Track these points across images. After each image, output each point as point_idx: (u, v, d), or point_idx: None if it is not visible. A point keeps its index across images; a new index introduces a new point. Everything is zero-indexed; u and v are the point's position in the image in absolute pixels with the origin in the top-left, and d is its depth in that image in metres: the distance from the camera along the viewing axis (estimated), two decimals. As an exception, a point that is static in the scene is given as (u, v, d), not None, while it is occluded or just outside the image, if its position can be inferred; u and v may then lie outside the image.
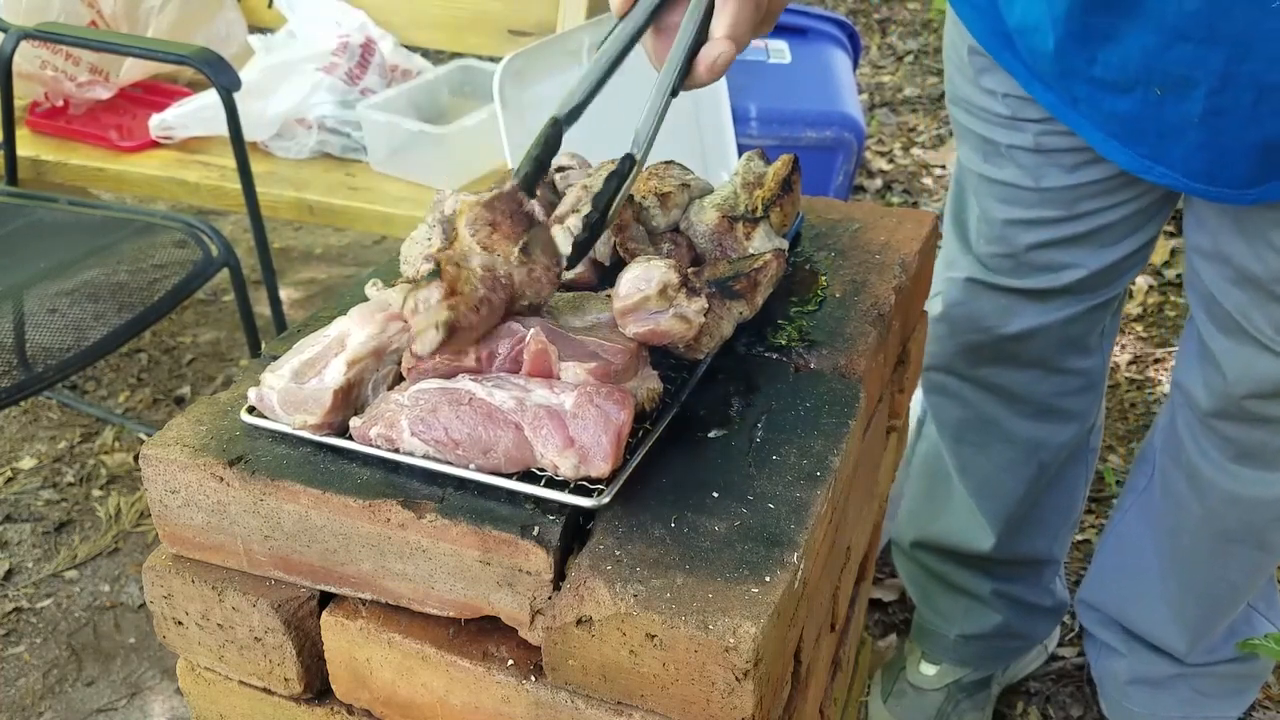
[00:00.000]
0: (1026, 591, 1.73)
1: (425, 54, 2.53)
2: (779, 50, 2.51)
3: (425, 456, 0.81)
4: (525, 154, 0.92)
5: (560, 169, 1.06)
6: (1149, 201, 1.35)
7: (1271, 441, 1.37)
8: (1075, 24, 1.10)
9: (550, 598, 0.78)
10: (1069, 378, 1.53)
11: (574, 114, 0.92)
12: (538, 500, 0.80)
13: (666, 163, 1.09)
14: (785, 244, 1.05)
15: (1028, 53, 1.21)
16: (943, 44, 1.46)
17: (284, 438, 0.87)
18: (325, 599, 0.88)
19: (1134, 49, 1.08)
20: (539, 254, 0.86)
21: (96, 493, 2.24)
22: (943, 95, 2.45)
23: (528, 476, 0.80)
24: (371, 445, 0.83)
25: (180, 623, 0.92)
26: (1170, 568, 1.57)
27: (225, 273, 1.92)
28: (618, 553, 0.77)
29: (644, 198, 1.02)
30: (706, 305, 0.87)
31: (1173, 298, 2.80)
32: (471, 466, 0.80)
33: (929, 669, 1.79)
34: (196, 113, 2.23)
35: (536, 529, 0.78)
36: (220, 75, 1.96)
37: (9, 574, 2.05)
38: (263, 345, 1.57)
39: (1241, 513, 1.45)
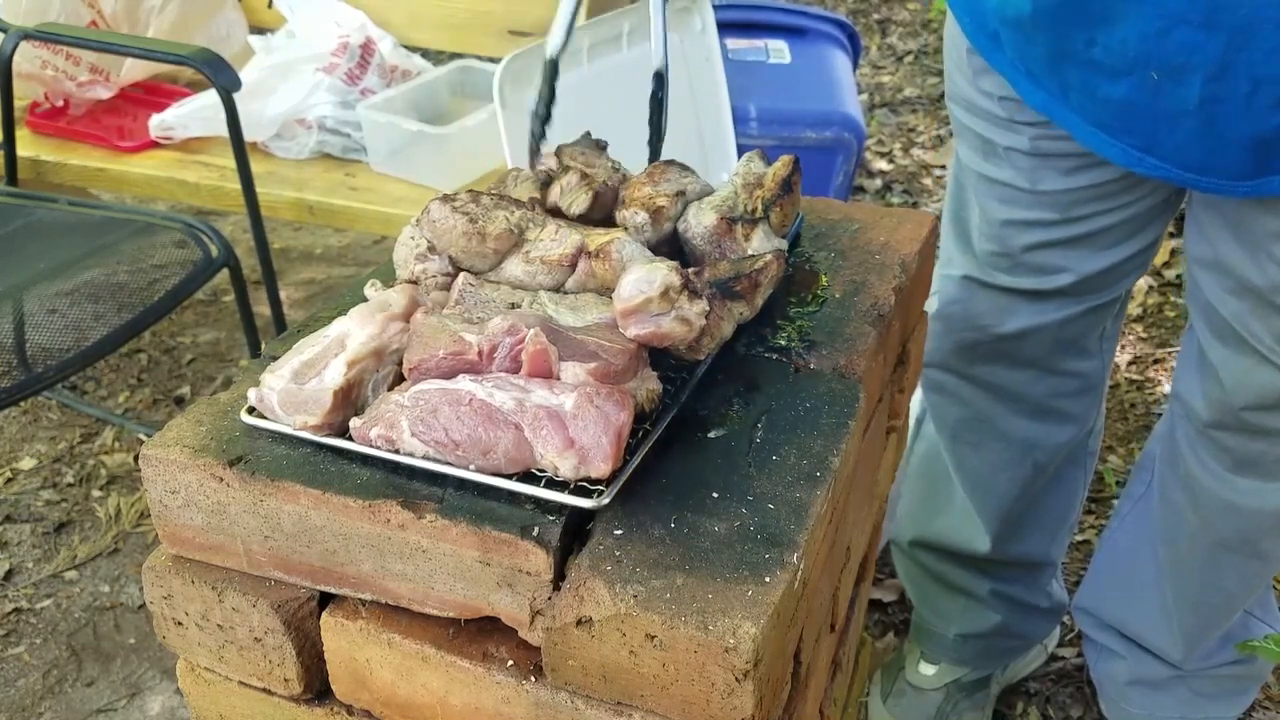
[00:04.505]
0: (1024, 592, 1.73)
1: (425, 54, 2.53)
2: (779, 50, 2.50)
3: (425, 457, 0.81)
4: (539, 96, 1.15)
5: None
6: (1147, 206, 1.34)
7: (1270, 452, 1.37)
8: (1073, 3, 1.10)
9: (550, 598, 0.78)
10: (1066, 379, 1.53)
11: (565, 48, 1.16)
12: (538, 501, 0.80)
13: (666, 163, 1.08)
14: (785, 244, 1.05)
15: (1017, 47, 1.20)
16: (943, 42, 1.45)
17: (284, 438, 0.87)
18: (325, 599, 0.88)
19: (1132, 32, 1.07)
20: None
21: (96, 493, 2.24)
22: (943, 95, 2.45)
23: (528, 477, 0.80)
24: (371, 446, 0.83)
25: (180, 623, 0.92)
26: (1166, 576, 1.57)
27: (225, 273, 1.92)
28: (617, 553, 0.77)
29: (636, 212, 1.01)
30: (708, 307, 0.87)
31: (1173, 298, 2.79)
32: (471, 467, 0.80)
33: (928, 669, 1.79)
34: (196, 113, 2.23)
35: (536, 529, 0.78)
36: (220, 75, 1.96)
37: (9, 574, 2.05)
38: (263, 345, 1.57)
39: (1238, 522, 1.44)
